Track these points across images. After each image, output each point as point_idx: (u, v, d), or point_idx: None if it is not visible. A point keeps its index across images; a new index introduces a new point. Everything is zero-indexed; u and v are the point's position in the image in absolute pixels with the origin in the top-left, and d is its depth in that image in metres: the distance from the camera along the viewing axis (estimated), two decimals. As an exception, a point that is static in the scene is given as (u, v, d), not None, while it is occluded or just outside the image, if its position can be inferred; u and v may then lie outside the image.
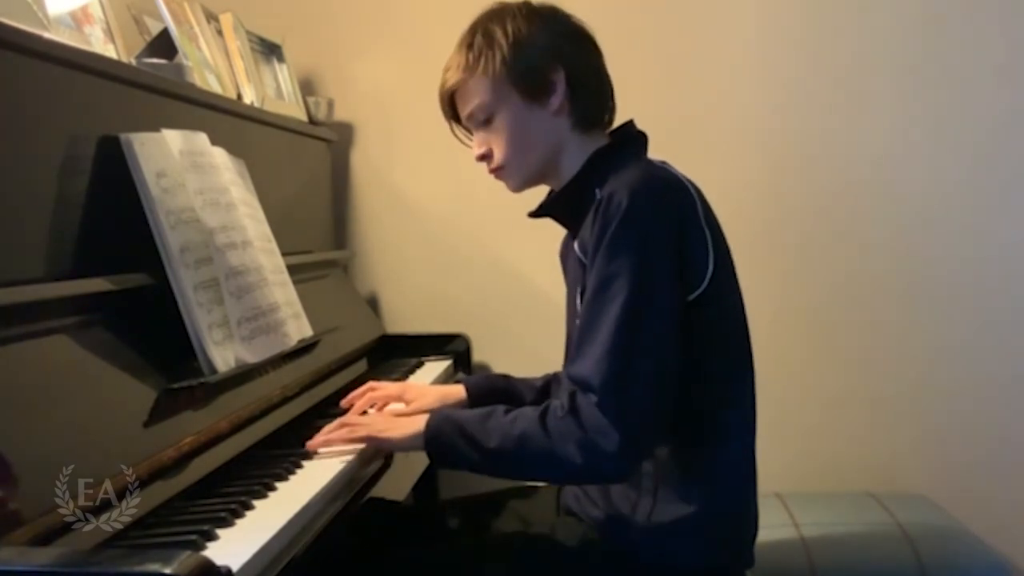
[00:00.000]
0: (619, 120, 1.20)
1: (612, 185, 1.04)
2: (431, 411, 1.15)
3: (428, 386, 1.46)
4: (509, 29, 1.13)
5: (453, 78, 1.16)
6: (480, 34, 1.14)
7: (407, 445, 1.13)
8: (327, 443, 1.16)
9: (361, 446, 1.15)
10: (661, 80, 1.91)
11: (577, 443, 1.00)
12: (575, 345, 1.07)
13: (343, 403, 1.40)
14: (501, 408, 1.09)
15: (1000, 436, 1.84)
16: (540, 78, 1.13)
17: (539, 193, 1.22)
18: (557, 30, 1.15)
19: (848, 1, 1.85)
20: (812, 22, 1.86)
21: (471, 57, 1.14)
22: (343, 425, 1.18)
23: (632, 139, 1.18)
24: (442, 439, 1.09)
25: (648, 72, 1.89)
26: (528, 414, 1.06)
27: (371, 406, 1.38)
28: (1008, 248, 1.82)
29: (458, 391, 1.38)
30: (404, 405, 1.37)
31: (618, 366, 0.99)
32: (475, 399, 1.37)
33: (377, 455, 1.18)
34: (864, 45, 1.84)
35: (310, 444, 1.17)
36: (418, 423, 1.12)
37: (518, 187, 1.20)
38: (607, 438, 0.98)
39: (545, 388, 1.37)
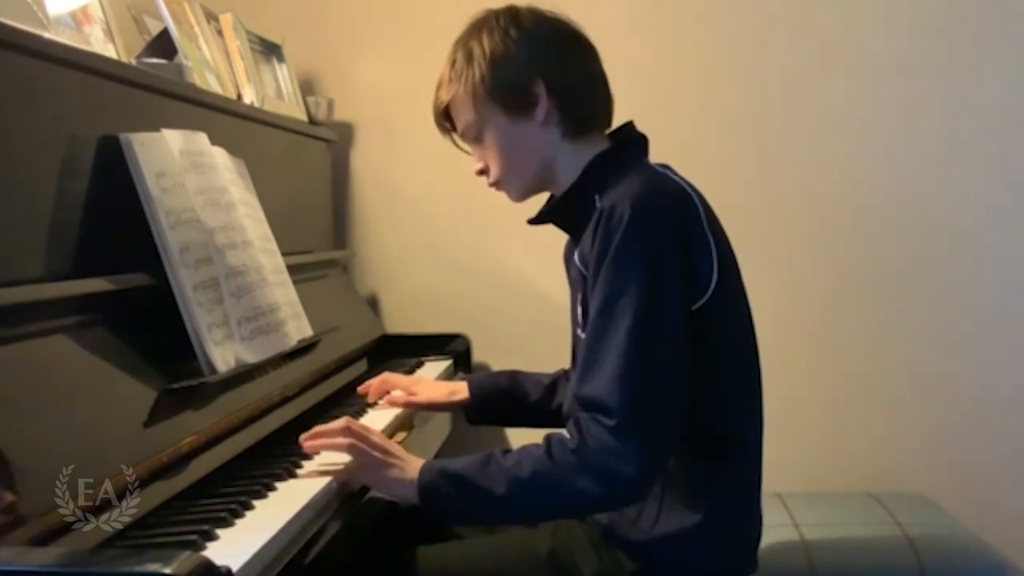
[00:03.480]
0: (618, 120, 1.18)
1: (613, 196, 1.02)
2: (423, 463, 1.06)
3: (438, 382, 1.50)
4: (487, 45, 1.10)
5: (442, 96, 1.16)
6: (461, 51, 1.13)
7: (394, 491, 1.07)
8: (319, 448, 1.10)
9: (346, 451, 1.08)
10: (659, 80, 1.91)
11: (594, 473, 0.97)
12: (581, 365, 1.04)
13: (359, 390, 1.45)
14: (497, 452, 1.03)
15: (1001, 436, 1.84)
16: (521, 93, 1.10)
17: (542, 197, 1.22)
18: (538, 39, 1.11)
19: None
20: (811, 22, 1.86)
21: (453, 75, 1.13)
22: (347, 430, 1.09)
23: (632, 142, 1.16)
24: (440, 495, 1.02)
25: (644, 71, 1.89)
26: (532, 452, 1.01)
27: (377, 413, 1.39)
28: (1010, 249, 1.82)
29: (463, 388, 1.39)
30: (404, 394, 1.41)
31: (633, 388, 0.97)
32: (477, 399, 1.38)
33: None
34: (863, 45, 1.84)
35: (303, 438, 1.10)
36: (410, 472, 1.04)
37: (519, 198, 1.20)
38: (626, 462, 0.96)
39: (552, 385, 1.36)
